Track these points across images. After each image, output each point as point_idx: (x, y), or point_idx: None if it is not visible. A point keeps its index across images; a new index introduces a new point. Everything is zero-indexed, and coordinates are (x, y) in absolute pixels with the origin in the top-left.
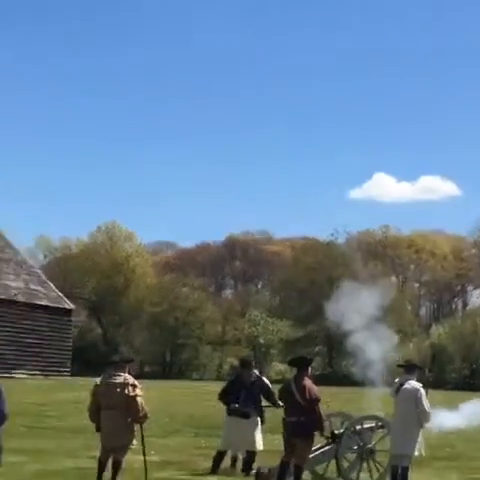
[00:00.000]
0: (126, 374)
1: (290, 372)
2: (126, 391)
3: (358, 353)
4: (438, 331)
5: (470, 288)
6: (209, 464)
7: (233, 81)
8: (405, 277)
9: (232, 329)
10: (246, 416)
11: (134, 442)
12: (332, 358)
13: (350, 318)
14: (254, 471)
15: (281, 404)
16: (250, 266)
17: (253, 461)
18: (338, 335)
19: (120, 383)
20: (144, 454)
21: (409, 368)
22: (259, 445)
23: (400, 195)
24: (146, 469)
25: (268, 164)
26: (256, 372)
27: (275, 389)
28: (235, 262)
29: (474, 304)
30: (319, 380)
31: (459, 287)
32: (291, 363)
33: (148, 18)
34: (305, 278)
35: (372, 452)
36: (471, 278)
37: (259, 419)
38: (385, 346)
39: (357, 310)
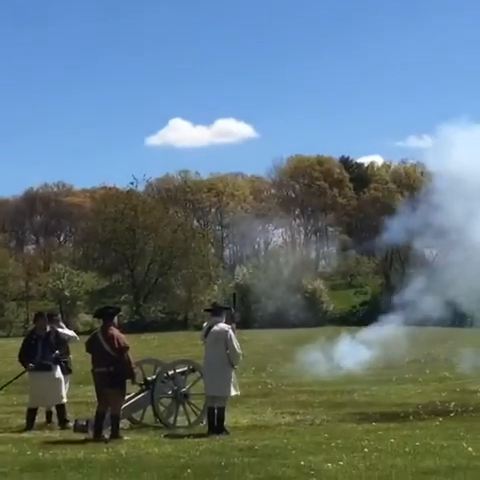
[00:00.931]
0: None
1: (98, 322)
2: None
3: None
4: (242, 271)
5: (271, 228)
6: (23, 421)
7: None
8: (207, 221)
9: (36, 284)
10: (47, 368)
11: None
12: (139, 306)
13: None
14: (71, 423)
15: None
16: (51, 219)
17: (64, 413)
18: (145, 283)
19: None
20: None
21: (216, 311)
22: (64, 396)
23: (197, 139)
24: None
25: (63, 113)
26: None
27: (83, 340)
28: (35, 216)
29: (276, 243)
30: (127, 328)
31: (260, 227)
32: (96, 315)
33: None
34: (107, 228)
35: (186, 396)
36: (271, 218)
37: (60, 370)
38: None
39: None
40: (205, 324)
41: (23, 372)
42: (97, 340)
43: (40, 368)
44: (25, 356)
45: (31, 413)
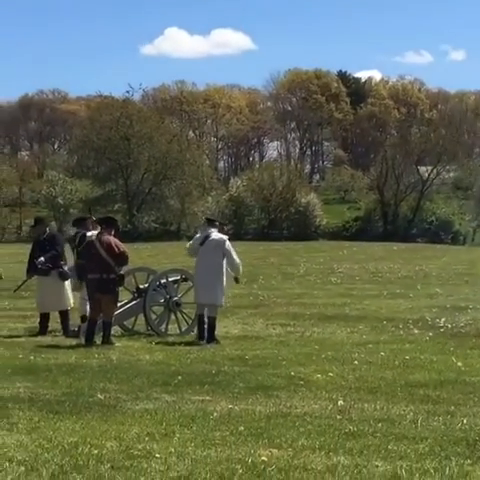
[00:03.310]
0: None
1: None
2: None
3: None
4: (236, 184)
5: (266, 141)
6: (15, 325)
7: None
8: (202, 132)
9: (29, 191)
10: (45, 273)
11: None
12: (132, 215)
13: None
14: (74, 329)
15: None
16: (46, 126)
17: (67, 320)
18: (138, 192)
19: None
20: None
21: (213, 221)
22: (68, 303)
23: (194, 50)
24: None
25: (59, 20)
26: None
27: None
28: (30, 123)
29: (270, 156)
30: (120, 237)
31: (255, 140)
32: (99, 222)
33: None
34: (102, 137)
35: (178, 304)
36: (267, 131)
37: (59, 276)
38: None
39: None
40: (198, 234)
41: (25, 280)
42: (93, 247)
43: (39, 273)
44: (29, 263)
45: (42, 318)
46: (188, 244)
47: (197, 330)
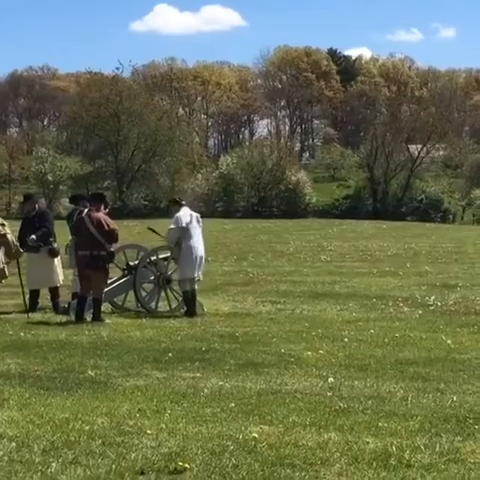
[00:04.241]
0: None
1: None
2: None
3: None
4: (226, 161)
5: (256, 118)
6: (5, 302)
7: None
8: (192, 109)
9: (19, 167)
10: (35, 250)
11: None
12: (122, 192)
13: None
14: (64, 306)
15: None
16: (35, 103)
17: (57, 297)
18: (128, 169)
19: None
20: (22, 286)
21: (179, 202)
22: (57, 280)
23: (184, 26)
24: (25, 302)
25: None
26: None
27: (67, 225)
28: (19, 99)
29: (260, 134)
30: (109, 214)
31: (245, 117)
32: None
33: None
34: (91, 113)
35: (169, 281)
36: (257, 108)
37: (49, 253)
38: None
39: None
40: (181, 213)
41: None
42: (83, 223)
43: (29, 250)
44: (19, 240)
45: (32, 295)
46: (170, 231)
47: (189, 307)
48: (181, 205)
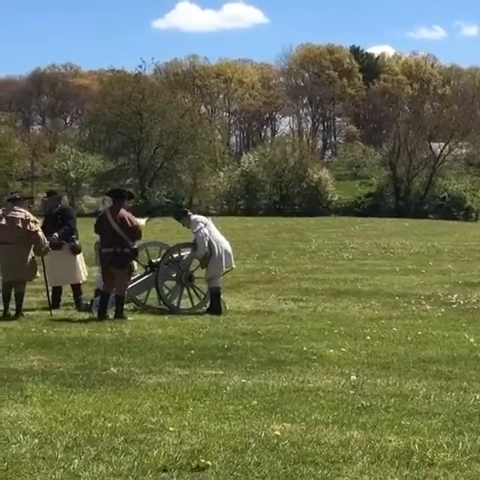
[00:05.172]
0: (26, 211)
1: (102, 205)
2: (28, 227)
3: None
4: (248, 159)
5: (278, 116)
6: (27, 299)
7: None
8: (214, 107)
9: (41, 165)
10: (57, 247)
11: (38, 274)
12: (144, 190)
13: None
14: (86, 303)
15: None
16: (58, 100)
17: (79, 293)
18: (150, 167)
19: (22, 219)
20: (46, 282)
21: (185, 213)
22: (80, 277)
23: (206, 24)
24: (49, 299)
25: None
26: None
27: (89, 222)
28: (42, 97)
29: (283, 131)
30: (131, 211)
31: (267, 115)
32: (108, 194)
33: None
34: (114, 111)
35: (191, 279)
36: (279, 106)
37: (72, 250)
38: None
39: None
40: (194, 216)
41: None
42: (106, 220)
43: (51, 247)
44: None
45: (54, 292)
46: (202, 245)
47: (218, 303)
48: (188, 213)
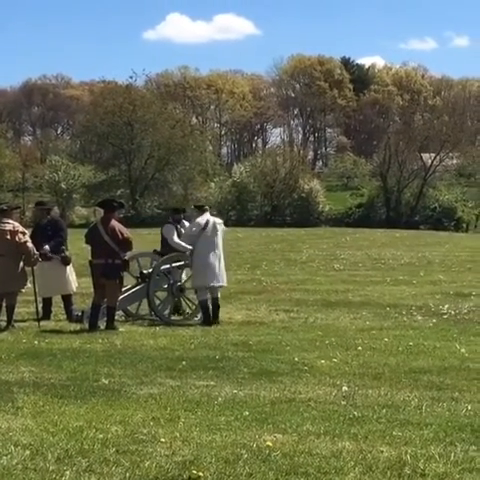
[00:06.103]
0: (14, 222)
1: (93, 216)
2: (17, 238)
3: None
4: (239, 170)
5: (269, 127)
6: (18, 310)
7: None
8: (205, 118)
9: (32, 176)
10: (48, 258)
11: (28, 284)
12: (135, 200)
13: None
14: (77, 314)
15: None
16: (49, 111)
17: (70, 304)
18: (141, 178)
19: (10, 230)
20: (35, 294)
21: (200, 207)
22: (70, 288)
23: (196, 35)
24: (37, 310)
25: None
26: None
27: (80, 233)
28: (33, 108)
29: (274, 142)
30: (123, 223)
31: (258, 126)
32: (99, 205)
33: None
34: (105, 122)
35: (182, 290)
36: (270, 117)
37: (62, 261)
38: None
39: None
40: (199, 219)
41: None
42: (97, 231)
43: (41, 258)
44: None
45: (45, 303)
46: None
47: (207, 315)
48: (204, 210)
